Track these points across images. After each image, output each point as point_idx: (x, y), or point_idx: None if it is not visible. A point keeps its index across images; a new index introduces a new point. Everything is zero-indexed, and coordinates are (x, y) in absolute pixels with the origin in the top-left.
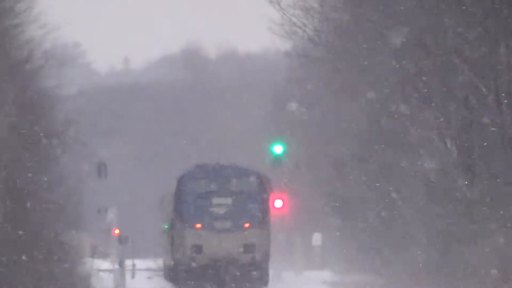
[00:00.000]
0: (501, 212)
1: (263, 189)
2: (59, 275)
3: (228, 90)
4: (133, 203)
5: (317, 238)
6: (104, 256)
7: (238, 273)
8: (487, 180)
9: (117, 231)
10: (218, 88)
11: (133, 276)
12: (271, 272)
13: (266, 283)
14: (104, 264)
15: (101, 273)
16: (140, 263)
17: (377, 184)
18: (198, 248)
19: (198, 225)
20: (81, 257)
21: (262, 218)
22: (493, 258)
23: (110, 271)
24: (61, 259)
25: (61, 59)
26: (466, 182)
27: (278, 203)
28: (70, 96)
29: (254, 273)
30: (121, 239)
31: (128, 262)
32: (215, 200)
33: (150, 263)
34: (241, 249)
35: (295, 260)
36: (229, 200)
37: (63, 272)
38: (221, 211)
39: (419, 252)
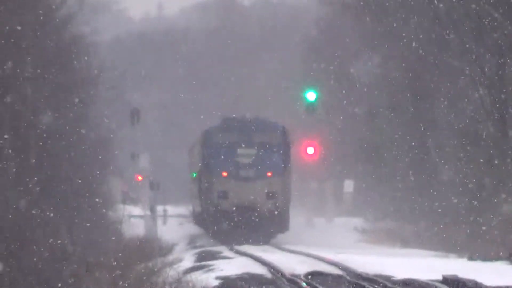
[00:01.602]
0: None
1: (285, 141)
2: (91, 220)
3: (261, 37)
4: (165, 150)
5: (348, 185)
6: (135, 202)
7: (261, 219)
8: None
9: (140, 178)
10: (251, 35)
11: (164, 222)
12: (302, 219)
13: (286, 228)
14: (135, 210)
15: (132, 219)
16: (172, 210)
17: (409, 134)
18: (224, 195)
19: (224, 174)
20: (113, 203)
21: (284, 167)
22: None
23: (141, 217)
24: (94, 205)
25: (95, 5)
26: (498, 131)
27: (310, 150)
28: (105, 43)
29: (276, 218)
30: (153, 185)
31: (159, 208)
32: (240, 151)
33: (181, 209)
34: (264, 196)
35: (326, 207)
36: (253, 151)
37: (95, 218)
38: (246, 160)
39: (454, 200)
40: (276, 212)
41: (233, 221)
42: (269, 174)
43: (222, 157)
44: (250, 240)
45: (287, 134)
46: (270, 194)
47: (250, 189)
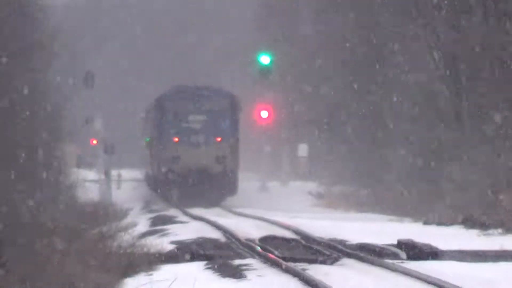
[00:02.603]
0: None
1: (233, 108)
2: (45, 185)
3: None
4: (120, 114)
5: (303, 149)
6: (90, 166)
7: (210, 182)
8: (472, 91)
9: (95, 141)
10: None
11: (118, 187)
12: (257, 183)
13: (235, 191)
14: (90, 175)
15: (87, 183)
16: (126, 174)
17: (364, 96)
18: (176, 159)
19: (176, 139)
20: (67, 168)
21: (232, 133)
22: (478, 171)
23: (96, 181)
24: (47, 169)
25: None
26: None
27: (264, 114)
28: (59, 3)
29: (225, 182)
30: (107, 149)
31: (114, 173)
32: (191, 117)
33: (136, 173)
34: (213, 160)
35: (281, 171)
36: (203, 117)
37: (48, 182)
38: (196, 126)
39: (409, 163)
40: (225, 176)
41: (184, 184)
42: (218, 139)
43: (174, 123)
44: (201, 203)
45: (236, 101)
46: (219, 159)
47: (200, 153)
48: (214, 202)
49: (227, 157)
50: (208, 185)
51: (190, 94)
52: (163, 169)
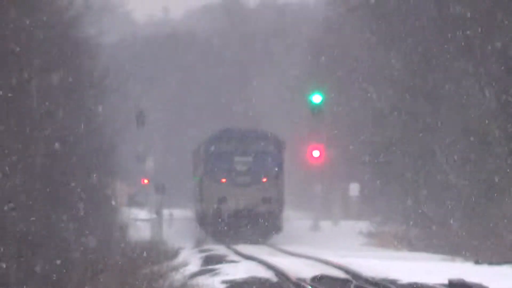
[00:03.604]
0: None
1: (278, 149)
2: (97, 223)
3: (266, 40)
4: (169, 153)
5: (354, 188)
6: (141, 205)
7: (256, 221)
8: None
9: (146, 181)
10: (256, 38)
11: (170, 226)
12: (308, 222)
13: (280, 229)
14: (141, 213)
15: (138, 223)
16: (178, 213)
17: (415, 136)
18: (223, 200)
19: (223, 180)
20: (119, 206)
21: (277, 173)
22: None
23: (147, 220)
24: (99, 208)
25: (101, 7)
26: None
27: (316, 153)
28: (110, 45)
29: (270, 220)
30: (158, 189)
31: (166, 212)
32: (237, 159)
33: (187, 212)
34: (259, 201)
35: (332, 210)
36: (249, 159)
37: (101, 222)
38: (242, 168)
39: (461, 203)
40: (271, 215)
41: (231, 223)
42: (264, 180)
43: (221, 164)
44: (248, 241)
45: (280, 143)
46: (265, 199)
47: (246, 194)
48: (260, 240)
49: (272, 197)
50: (255, 224)
51: (236, 136)
52: (211, 209)
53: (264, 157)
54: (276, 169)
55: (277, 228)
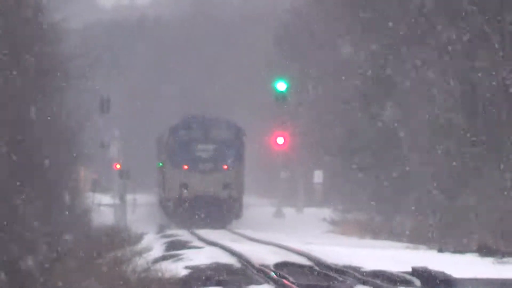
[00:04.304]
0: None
1: (239, 138)
2: (60, 209)
3: (231, 26)
4: (134, 139)
5: (318, 175)
6: (105, 190)
7: (217, 207)
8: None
9: (118, 166)
10: (221, 24)
11: (134, 211)
12: (272, 209)
13: (240, 215)
14: (105, 199)
15: (102, 208)
16: (141, 198)
17: (379, 124)
18: (185, 186)
19: (185, 167)
20: (82, 192)
21: (238, 161)
22: (493, 199)
23: (111, 205)
24: (63, 193)
25: None
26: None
27: (280, 140)
28: (75, 30)
29: (231, 206)
30: (122, 174)
31: (129, 197)
32: (200, 147)
33: (151, 197)
34: (220, 187)
35: (296, 197)
36: (211, 147)
37: (64, 206)
38: (204, 155)
39: (424, 191)
40: (230, 201)
41: (192, 208)
42: (225, 167)
43: (184, 152)
44: (209, 226)
45: (241, 132)
46: (226, 185)
47: (208, 180)
48: (219, 224)
49: (233, 184)
50: (215, 209)
51: (199, 125)
52: (173, 195)
53: (225, 145)
54: (237, 157)
55: (237, 213)
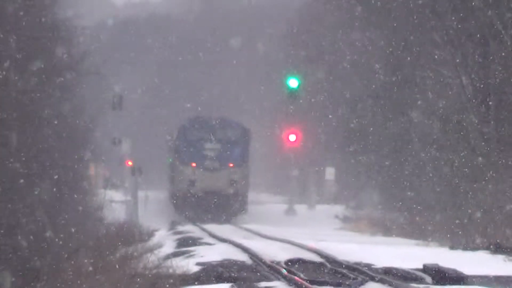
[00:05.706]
0: None
1: (244, 137)
2: (72, 205)
3: (242, 23)
4: (147, 136)
5: (330, 172)
6: (116, 187)
7: (223, 202)
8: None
9: (130, 163)
10: (233, 22)
11: (145, 208)
12: (284, 206)
13: (245, 210)
14: (116, 195)
15: (114, 204)
16: (153, 195)
17: (392, 122)
18: (192, 182)
19: (193, 164)
20: (94, 188)
21: (243, 160)
22: (505, 196)
23: (122, 202)
24: (75, 190)
25: None
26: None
27: (292, 137)
28: (87, 27)
29: (236, 201)
30: (134, 171)
31: (141, 194)
32: (207, 145)
33: (162, 194)
34: (226, 183)
35: (308, 194)
36: (218, 146)
37: (75, 203)
38: (211, 153)
39: (437, 189)
40: (236, 197)
41: (200, 203)
42: (231, 165)
43: (192, 150)
44: (214, 219)
45: (247, 132)
46: (231, 182)
47: (214, 177)
48: (225, 219)
49: (238, 181)
50: (222, 204)
51: (207, 125)
52: (181, 191)
53: (231, 144)
54: (242, 155)
55: (242, 208)
